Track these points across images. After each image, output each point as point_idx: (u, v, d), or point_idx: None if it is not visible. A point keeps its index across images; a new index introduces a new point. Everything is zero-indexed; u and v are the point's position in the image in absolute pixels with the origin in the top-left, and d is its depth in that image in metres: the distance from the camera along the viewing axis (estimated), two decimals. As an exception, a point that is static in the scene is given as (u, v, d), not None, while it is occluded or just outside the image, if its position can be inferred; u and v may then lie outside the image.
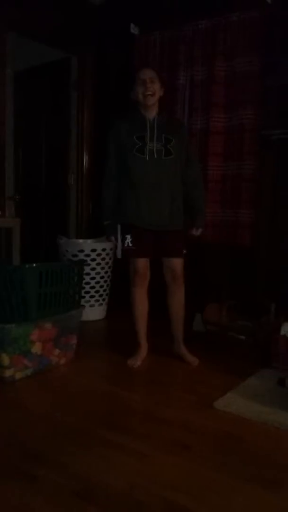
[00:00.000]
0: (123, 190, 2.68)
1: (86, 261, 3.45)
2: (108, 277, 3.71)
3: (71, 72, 4.20)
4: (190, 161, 2.74)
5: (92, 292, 3.65)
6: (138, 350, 2.79)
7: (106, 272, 3.68)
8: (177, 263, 2.72)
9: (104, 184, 2.74)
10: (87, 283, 3.56)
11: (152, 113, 2.65)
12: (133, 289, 2.75)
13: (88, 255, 3.55)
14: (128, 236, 2.68)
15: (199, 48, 3.46)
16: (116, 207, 2.72)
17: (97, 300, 3.70)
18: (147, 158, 2.57)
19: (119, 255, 2.82)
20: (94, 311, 3.69)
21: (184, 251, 2.76)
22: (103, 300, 3.74)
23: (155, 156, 2.58)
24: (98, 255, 3.59)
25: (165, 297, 2.81)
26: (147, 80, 2.59)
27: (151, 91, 2.59)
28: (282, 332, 2.63)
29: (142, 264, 2.70)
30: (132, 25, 3.76)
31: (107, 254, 3.64)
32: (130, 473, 1.63)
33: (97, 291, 3.67)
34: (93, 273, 3.60)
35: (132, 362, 2.72)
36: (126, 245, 2.69)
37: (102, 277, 3.66)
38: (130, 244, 2.67)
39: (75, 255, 3.56)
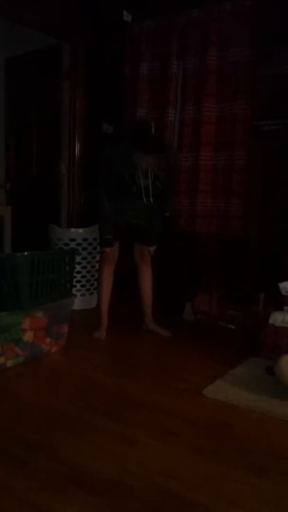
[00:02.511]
0: (112, 201, 2.92)
1: (77, 250, 3.45)
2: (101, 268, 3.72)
3: (63, 59, 4.16)
4: (167, 191, 2.99)
5: (83, 281, 3.66)
6: (101, 322, 3.09)
7: (97, 261, 3.69)
8: (149, 248, 3.09)
9: (102, 197, 2.91)
10: (78, 272, 3.57)
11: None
12: (102, 265, 3.12)
13: (79, 244, 3.56)
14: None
15: (192, 37, 3.44)
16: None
17: (88, 289, 3.71)
18: (135, 193, 2.82)
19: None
20: (85, 300, 3.70)
21: (155, 247, 3.09)
22: (94, 289, 3.75)
23: (144, 192, 2.82)
24: (89, 244, 3.60)
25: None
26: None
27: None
28: (271, 322, 2.67)
29: (113, 247, 3.02)
30: (125, 12, 3.72)
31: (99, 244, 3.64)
32: (121, 459, 1.66)
33: (88, 280, 3.69)
34: (84, 262, 3.61)
35: (98, 334, 3.00)
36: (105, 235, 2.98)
37: (93, 266, 3.67)
38: (110, 236, 2.96)
39: (67, 244, 3.56)
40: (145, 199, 2.84)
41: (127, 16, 3.73)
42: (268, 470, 1.63)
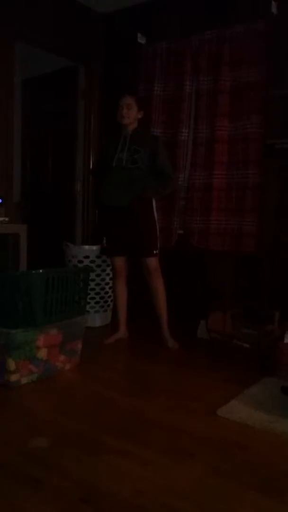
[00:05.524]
0: (101, 185, 3.26)
1: (91, 267, 3.48)
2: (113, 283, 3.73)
3: (78, 80, 4.26)
4: (161, 172, 3.13)
5: (97, 298, 3.68)
6: (117, 331, 3.29)
7: (111, 278, 3.70)
8: (150, 261, 3.15)
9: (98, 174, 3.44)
10: (92, 289, 3.59)
11: (128, 130, 3.14)
12: (114, 281, 3.37)
13: (93, 261, 3.58)
14: (104, 238, 3.29)
15: (205, 58, 3.50)
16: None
17: (102, 306, 3.72)
18: (117, 165, 3.09)
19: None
20: (99, 317, 3.71)
21: (155, 251, 3.15)
22: (108, 306, 3.77)
23: (123, 164, 3.08)
24: (104, 261, 3.62)
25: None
26: (124, 106, 3.10)
27: (125, 115, 3.10)
28: (286, 340, 2.65)
29: (118, 262, 3.26)
30: (139, 35, 3.81)
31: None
32: (134, 479, 1.64)
33: (102, 297, 3.70)
34: (98, 279, 3.63)
35: (106, 340, 3.21)
36: (103, 245, 3.33)
37: (107, 283, 3.69)
38: (105, 245, 3.28)
39: (81, 261, 3.59)
40: (123, 171, 3.06)
41: (141, 38, 3.81)
42: (284, 492, 1.60)
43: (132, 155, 3.06)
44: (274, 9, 3.19)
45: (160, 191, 3.18)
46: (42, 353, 2.54)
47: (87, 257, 3.59)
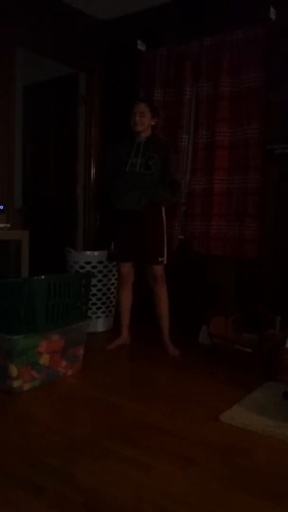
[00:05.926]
0: (113, 189, 3.21)
1: (93, 273, 3.48)
2: (115, 288, 3.74)
3: (79, 86, 4.28)
4: (171, 180, 3.16)
5: (99, 303, 3.68)
6: (118, 337, 3.30)
7: (112, 284, 3.71)
8: (156, 268, 3.17)
9: (108, 189, 3.32)
10: (94, 294, 3.60)
11: (141, 136, 3.16)
12: (119, 287, 3.37)
13: (95, 267, 3.59)
14: (113, 243, 3.34)
15: (205, 64, 3.52)
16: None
17: (104, 312, 3.73)
18: (130, 170, 3.09)
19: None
20: (100, 323, 3.72)
21: (161, 259, 3.16)
22: (110, 311, 3.77)
23: (137, 169, 3.09)
24: (105, 267, 3.63)
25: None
26: (137, 113, 3.12)
27: (138, 123, 3.12)
28: (287, 345, 2.65)
29: (125, 268, 3.27)
30: (139, 42, 3.83)
31: (114, 266, 3.67)
32: (137, 485, 1.64)
33: (103, 303, 3.71)
34: (99, 285, 3.64)
35: (108, 346, 3.22)
36: (111, 250, 3.38)
37: (108, 289, 3.69)
38: (113, 249, 3.32)
39: (82, 267, 3.59)
40: (136, 176, 3.07)
41: (141, 45, 3.83)
42: (286, 498, 1.60)
43: (146, 161, 3.08)
44: (272, 15, 3.21)
45: (170, 199, 3.19)
46: (44, 359, 2.55)
47: (88, 262, 3.60)
